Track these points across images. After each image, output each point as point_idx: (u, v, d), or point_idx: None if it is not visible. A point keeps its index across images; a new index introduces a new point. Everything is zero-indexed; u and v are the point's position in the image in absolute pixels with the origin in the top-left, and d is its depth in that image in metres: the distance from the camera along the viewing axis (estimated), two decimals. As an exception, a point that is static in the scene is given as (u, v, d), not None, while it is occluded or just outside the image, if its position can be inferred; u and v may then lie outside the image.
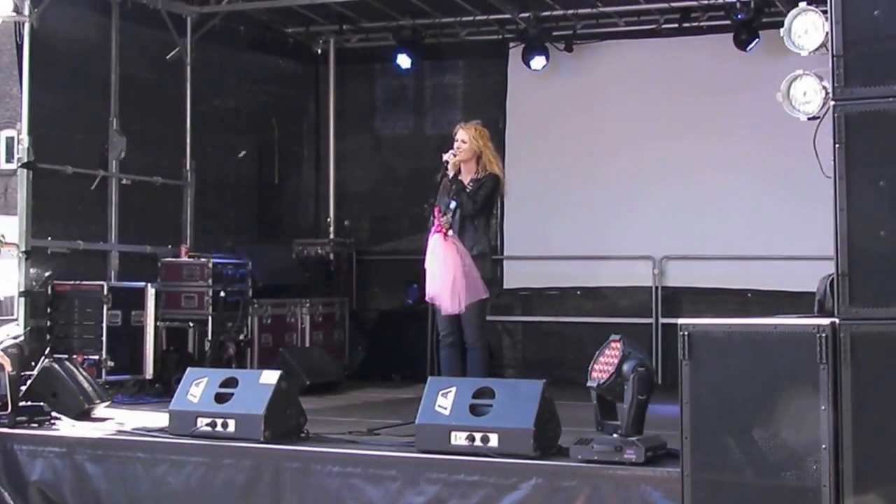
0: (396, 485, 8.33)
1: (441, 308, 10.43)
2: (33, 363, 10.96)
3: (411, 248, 14.92)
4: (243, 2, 14.73)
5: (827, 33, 7.15)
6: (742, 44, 14.11)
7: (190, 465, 9.01)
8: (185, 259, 13.82)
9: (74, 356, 11.57)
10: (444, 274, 10.31)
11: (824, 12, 7.20)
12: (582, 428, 8.35)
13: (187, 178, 14.73)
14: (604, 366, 8.07)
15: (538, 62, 15.21)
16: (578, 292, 15.27)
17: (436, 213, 10.39)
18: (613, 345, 8.11)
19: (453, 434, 8.35)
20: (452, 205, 10.45)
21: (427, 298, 10.52)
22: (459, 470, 8.20)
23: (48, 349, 11.33)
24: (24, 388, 10.25)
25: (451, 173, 10.53)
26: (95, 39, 13.67)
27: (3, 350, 10.89)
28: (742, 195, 14.39)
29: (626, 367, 7.99)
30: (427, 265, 10.44)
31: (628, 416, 8.00)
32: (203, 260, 13.63)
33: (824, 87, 7.25)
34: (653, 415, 8.17)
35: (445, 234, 10.33)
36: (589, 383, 8.13)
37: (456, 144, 10.60)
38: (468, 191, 10.52)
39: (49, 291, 12.70)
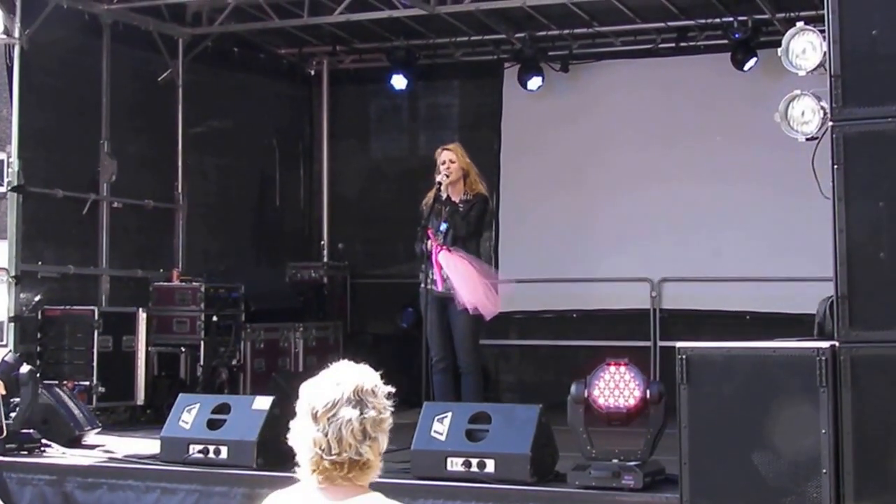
0: (392, 512, 8.23)
1: (485, 314, 10.33)
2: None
3: (406, 272, 14.80)
4: (235, 23, 14.63)
5: (825, 53, 7.13)
6: (740, 63, 14.05)
7: (182, 493, 8.97)
8: (176, 283, 13.74)
9: (65, 382, 11.51)
10: (469, 283, 10.25)
11: (822, 32, 7.15)
12: (579, 453, 8.25)
13: (179, 201, 14.66)
14: (617, 390, 7.95)
15: (534, 82, 15.14)
16: (575, 315, 15.17)
17: (430, 235, 10.31)
18: (622, 368, 7.98)
19: (449, 460, 8.29)
20: (443, 227, 10.37)
21: (471, 311, 10.34)
22: (455, 496, 8.14)
23: (38, 375, 11.20)
24: (13, 414, 10.13)
25: (443, 195, 10.46)
26: (86, 61, 13.60)
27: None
28: (741, 216, 14.30)
29: (654, 392, 7.93)
30: (452, 283, 10.30)
31: (654, 441, 7.95)
32: (195, 284, 13.56)
33: (822, 108, 7.21)
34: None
35: (448, 249, 10.27)
36: (607, 408, 7.99)
37: (444, 165, 10.52)
38: (460, 212, 10.44)
39: (39, 316, 12.60)
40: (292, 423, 3.82)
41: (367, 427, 3.75)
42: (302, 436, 3.79)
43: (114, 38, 13.79)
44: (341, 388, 3.77)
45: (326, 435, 3.72)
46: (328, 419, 3.72)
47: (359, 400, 3.77)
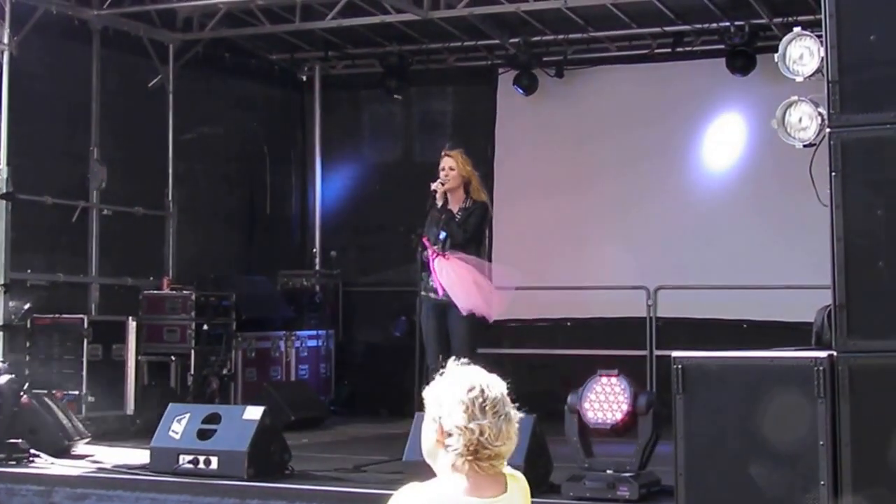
0: (383, 524, 8.15)
1: (486, 316, 10.22)
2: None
3: (399, 280, 14.74)
4: (226, 28, 14.56)
5: (822, 59, 7.06)
6: (736, 69, 13.97)
7: None
8: (167, 291, 13.70)
9: (54, 391, 11.42)
10: (465, 286, 10.13)
11: (820, 37, 7.08)
12: (574, 464, 8.20)
13: (169, 208, 14.60)
14: (606, 403, 7.91)
15: (528, 88, 15.06)
16: (570, 324, 15.09)
17: (426, 244, 10.19)
18: (613, 380, 7.95)
19: (443, 471, 8.18)
20: (442, 235, 10.24)
21: (471, 313, 10.23)
22: (448, 507, 8.02)
23: (27, 384, 11.13)
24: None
25: (439, 203, 10.32)
26: (76, 68, 13.59)
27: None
28: (737, 223, 14.25)
29: (642, 403, 7.90)
30: (448, 289, 10.18)
31: (644, 453, 7.93)
32: (186, 292, 13.50)
33: (820, 114, 7.13)
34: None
35: (444, 255, 10.15)
36: (594, 423, 7.98)
37: (443, 172, 10.37)
38: (457, 220, 10.31)
39: (28, 325, 12.54)
40: (446, 412, 4.09)
41: (513, 429, 4.08)
42: (464, 425, 4.05)
43: (103, 43, 13.78)
44: (498, 390, 4.10)
45: (492, 426, 4.03)
46: (494, 413, 4.04)
47: (508, 403, 4.14)
